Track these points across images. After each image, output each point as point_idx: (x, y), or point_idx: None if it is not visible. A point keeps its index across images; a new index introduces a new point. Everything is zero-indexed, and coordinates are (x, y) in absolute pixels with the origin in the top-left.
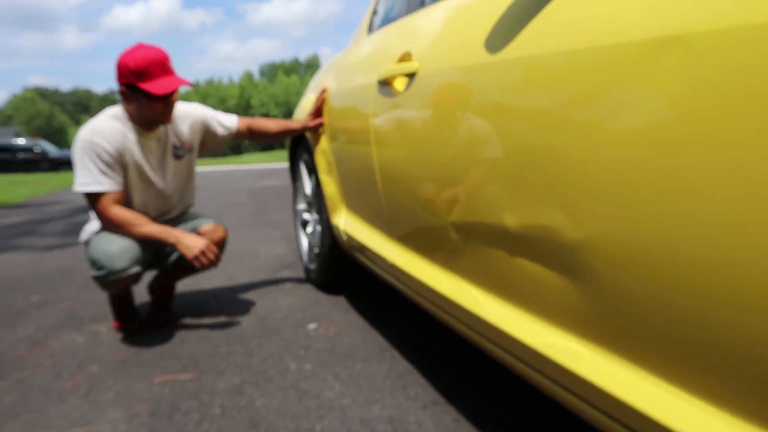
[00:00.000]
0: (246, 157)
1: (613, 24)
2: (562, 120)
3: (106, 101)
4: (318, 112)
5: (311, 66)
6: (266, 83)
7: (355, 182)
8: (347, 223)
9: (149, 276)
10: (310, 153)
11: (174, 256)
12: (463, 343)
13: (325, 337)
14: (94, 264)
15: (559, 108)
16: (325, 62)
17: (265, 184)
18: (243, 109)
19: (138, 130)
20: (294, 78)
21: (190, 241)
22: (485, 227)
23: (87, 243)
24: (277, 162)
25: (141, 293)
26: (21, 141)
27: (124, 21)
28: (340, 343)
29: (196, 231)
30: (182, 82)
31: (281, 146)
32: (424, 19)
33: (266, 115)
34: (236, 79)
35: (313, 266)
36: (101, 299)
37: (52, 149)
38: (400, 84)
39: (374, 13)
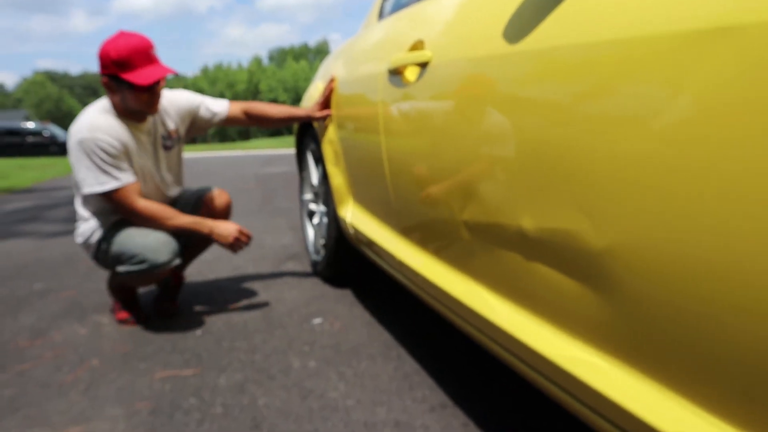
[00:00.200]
0: (254, 142)
1: (644, 15)
2: (585, 117)
3: None
4: (326, 102)
5: (320, 51)
6: (275, 68)
7: (362, 174)
8: (354, 215)
9: None
10: (317, 142)
11: (182, 239)
12: (469, 342)
13: (330, 332)
14: (131, 258)
15: (582, 104)
16: (335, 48)
17: (272, 171)
18: (251, 94)
19: (128, 122)
20: (303, 63)
21: (223, 230)
22: (499, 228)
23: (101, 241)
24: (285, 148)
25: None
26: (30, 125)
27: (134, 4)
28: (345, 340)
29: (201, 200)
30: (167, 70)
31: (289, 131)
32: (438, 7)
33: (274, 101)
34: (245, 63)
35: (318, 258)
36: (103, 288)
37: (60, 133)
38: (411, 73)
39: None
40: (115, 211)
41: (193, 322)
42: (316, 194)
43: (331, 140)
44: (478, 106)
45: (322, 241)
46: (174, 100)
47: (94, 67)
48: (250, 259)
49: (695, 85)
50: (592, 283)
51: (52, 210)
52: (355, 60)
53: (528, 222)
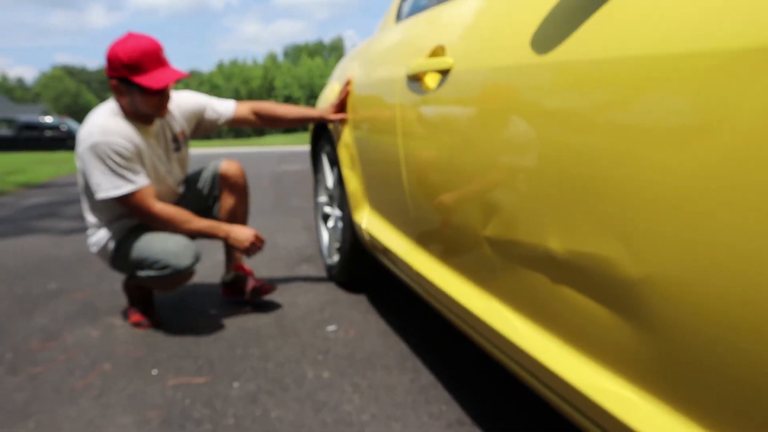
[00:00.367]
0: (268, 138)
1: (688, 29)
2: (622, 134)
3: None
4: (341, 104)
5: (335, 48)
6: (290, 65)
7: (379, 181)
8: (370, 222)
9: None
10: (333, 145)
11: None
12: (487, 354)
13: (344, 340)
14: (152, 264)
15: (620, 120)
16: (349, 45)
17: (287, 168)
18: (266, 90)
19: (137, 125)
20: (318, 60)
21: (240, 234)
22: (524, 246)
23: (117, 249)
24: (300, 145)
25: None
26: (48, 119)
27: (151, 0)
28: (360, 349)
29: (216, 179)
30: (179, 74)
31: (304, 129)
32: (460, 11)
33: (289, 98)
34: (260, 60)
35: (333, 262)
36: (117, 289)
37: (77, 128)
38: (431, 80)
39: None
40: (130, 216)
41: (207, 326)
42: (330, 197)
43: (346, 144)
44: (503, 117)
45: (336, 245)
46: (180, 102)
47: None
48: (264, 261)
49: (745, 104)
50: (627, 312)
51: (68, 206)
52: (373, 62)
53: (556, 242)
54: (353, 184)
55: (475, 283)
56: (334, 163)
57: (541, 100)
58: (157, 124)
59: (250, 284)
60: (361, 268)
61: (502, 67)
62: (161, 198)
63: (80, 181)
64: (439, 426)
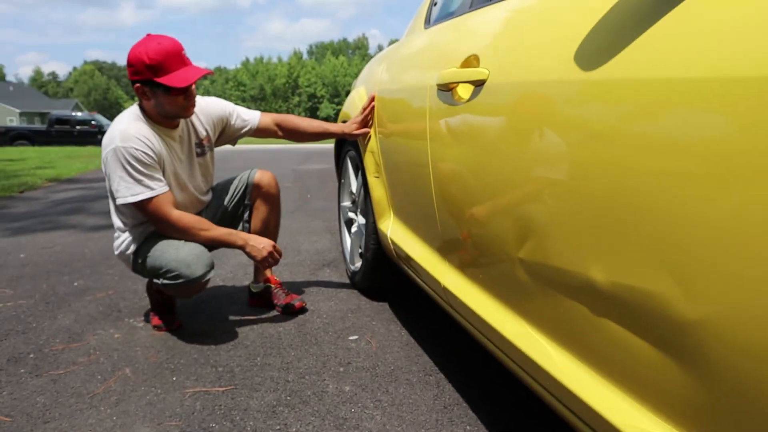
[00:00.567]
0: None
1: (744, 52)
2: (681, 164)
3: None
4: (364, 121)
5: (359, 47)
6: (314, 63)
7: (406, 191)
8: (395, 231)
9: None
10: (358, 150)
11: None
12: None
13: (366, 352)
14: (166, 273)
15: (675, 148)
16: (373, 44)
17: (310, 168)
18: (291, 88)
19: (161, 130)
20: (342, 58)
21: (257, 243)
22: (563, 273)
23: (136, 254)
24: (324, 143)
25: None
26: (79, 114)
27: None
28: (382, 362)
29: (249, 188)
30: (202, 71)
31: None
32: (495, 19)
33: (313, 95)
34: (285, 58)
35: (356, 268)
36: (139, 289)
37: (106, 123)
38: (464, 91)
39: (433, 4)
40: (150, 222)
41: (227, 331)
42: (354, 202)
43: (372, 150)
44: (541, 134)
45: (359, 251)
46: (205, 107)
47: None
48: (286, 265)
49: None
50: (679, 353)
51: (95, 202)
52: (400, 68)
53: (599, 272)
54: (378, 191)
55: (507, 306)
56: (359, 168)
57: (585, 119)
58: (182, 127)
59: (281, 299)
60: (384, 276)
61: (542, 81)
62: (183, 205)
63: (107, 183)
64: None
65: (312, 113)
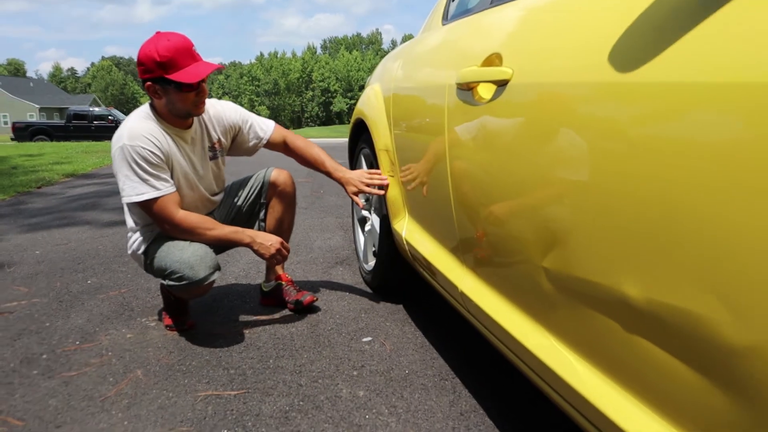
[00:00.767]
0: (306, 131)
1: None
2: (733, 172)
3: None
4: (367, 185)
5: (373, 42)
6: (328, 58)
7: (421, 191)
8: (410, 232)
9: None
10: (372, 148)
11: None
12: None
13: (380, 355)
14: (170, 274)
15: (720, 157)
16: (387, 39)
17: None
18: (304, 82)
19: (173, 130)
20: (355, 53)
21: (264, 241)
22: (592, 287)
23: (146, 253)
24: (337, 137)
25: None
26: (96, 109)
27: None
28: (397, 365)
29: (265, 186)
30: (213, 67)
31: (341, 122)
32: (519, 16)
33: (326, 90)
34: (299, 53)
35: (369, 268)
36: (152, 287)
37: (123, 118)
38: (485, 91)
39: None
40: (155, 223)
41: (240, 332)
42: (367, 200)
43: (386, 148)
44: (571, 140)
45: (373, 249)
46: (221, 111)
47: None
48: (299, 262)
49: None
50: (724, 382)
51: (110, 198)
52: (417, 65)
53: (633, 287)
54: (393, 191)
55: (529, 316)
56: (373, 166)
57: (620, 124)
58: (195, 129)
59: (292, 295)
60: (398, 276)
61: (571, 83)
62: (193, 205)
63: None
64: None
65: (325, 107)
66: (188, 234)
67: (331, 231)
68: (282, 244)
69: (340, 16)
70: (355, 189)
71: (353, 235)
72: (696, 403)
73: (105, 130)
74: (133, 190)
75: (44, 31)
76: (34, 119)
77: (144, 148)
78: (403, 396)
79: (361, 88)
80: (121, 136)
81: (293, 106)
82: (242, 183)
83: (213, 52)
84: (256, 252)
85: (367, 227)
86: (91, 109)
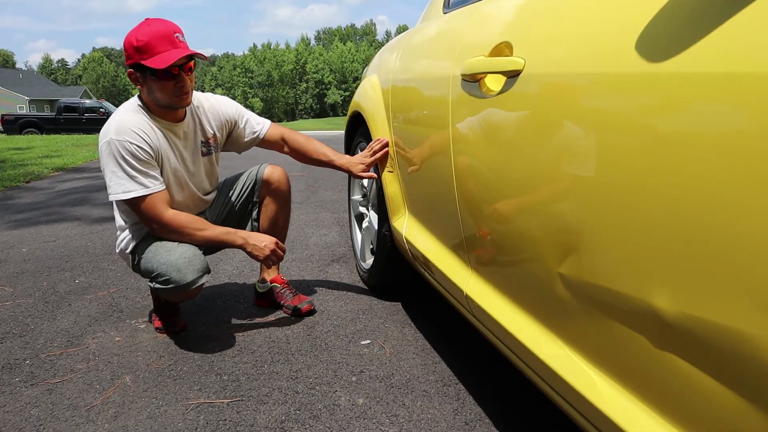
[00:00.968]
0: (300, 123)
1: None
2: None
3: None
4: (372, 162)
5: (367, 33)
6: (321, 49)
7: (423, 188)
8: (410, 230)
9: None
10: (369, 142)
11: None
12: None
13: (379, 359)
14: (157, 277)
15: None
16: (381, 30)
17: None
18: (298, 74)
19: (163, 124)
20: (349, 44)
21: (258, 242)
22: (615, 296)
23: (134, 253)
24: (331, 129)
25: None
26: (87, 101)
27: None
28: (397, 369)
29: (258, 184)
30: (185, 52)
31: (335, 114)
32: (530, 0)
33: (320, 82)
34: (293, 44)
35: (367, 266)
36: (144, 287)
37: (114, 110)
38: (494, 83)
39: None
40: (142, 222)
41: (233, 335)
42: (365, 196)
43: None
44: (590, 135)
45: (370, 247)
46: (216, 105)
47: None
48: (294, 260)
49: None
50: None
51: (100, 192)
52: (418, 56)
53: (664, 299)
54: (392, 187)
55: (544, 325)
56: None
57: (645, 117)
58: (188, 123)
59: (288, 299)
60: (397, 275)
61: (593, 74)
62: (183, 204)
63: None
64: None
65: (319, 99)
66: (177, 234)
67: (326, 227)
68: (277, 244)
69: (334, 6)
70: (362, 167)
71: (350, 232)
72: (738, 428)
73: (96, 123)
74: (120, 187)
75: (34, 22)
76: (24, 111)
77: (132, 143)
78: (405, 404)
79: (356, 79)
80: (108, 131)
81: (287, 98)
82: (234, 180)
83: (206, 43)
84: (249, 254)
85: (365, 224)
86: (82, 101)
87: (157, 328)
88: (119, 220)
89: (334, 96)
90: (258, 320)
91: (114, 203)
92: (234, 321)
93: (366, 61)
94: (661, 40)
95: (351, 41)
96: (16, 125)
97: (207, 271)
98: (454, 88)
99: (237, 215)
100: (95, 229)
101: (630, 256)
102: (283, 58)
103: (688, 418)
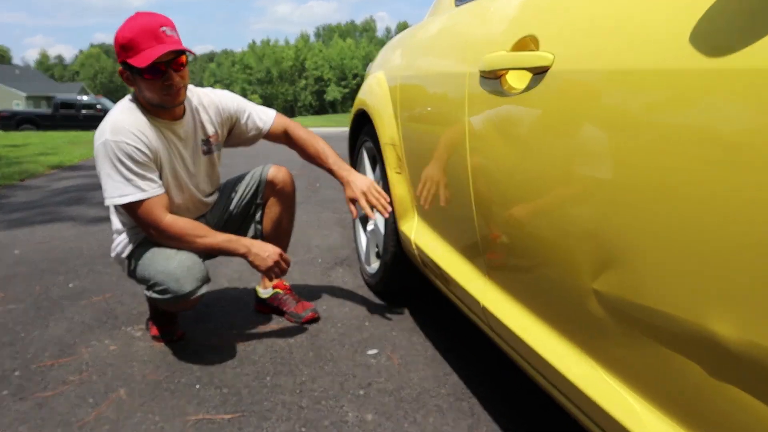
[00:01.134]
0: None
1: None
2: None
3: None
4: (369, 204)
5: (367, 29)
6: (321, 46)
7: (435, 191)
8: (420, 235)
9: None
10: (376, 142)
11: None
12: None
13: (388, 370)
14: (153, 286)
15: None
16: (381, 26)
17: None
18: (297, 71)
19: (162, 123)
20: (349, 41)
21: (262, 251)
22: (661, 317)
23: (130, 258)
24: (333, 126)
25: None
26: (84, 98)
27: None
28: (407, 382)
29: (262, 185)
30: (169, 47)
31: (334, 111)
32: None
33: (320, 78)
34: (292, 40)
35: (372, 271)
36: (140, 292)
37: (111, 107)
38: (517, 80)
39: None
40: (139, 227)
41: (234, 344)
42: None
43: (393, 142)
44: (631, 136)
45: (375, 250)
46: (216, 100)
47: None
48: (296, 263)
49: None
50: None
51: (97, 191)
52: (428, 51)
53: (721, 323)
54: (400, 189)
55: (575, 345)
56: (376, 161)
57: (700, 119)
58: (188, 121)
59: (291, 306)
60: (405, 280)
61: (633, 71)
62: (183, 207)
63: None
64: None
65: (319, 96)
66: (176, 241)
67: (329, 228)
68: (281, 255)
69: (333, 2)
70: (353, 195)
71: (354, 234)
72: None
73: (93, 120)
74: (116, 190)
75: (31, 17)
76: (21, 107)
77: (128, 144)
78: (416, 420)
79: (355, 76)
80: (104, 131)
81: (286, 94)
82: (236, 181)
83: (205, 39)
84: (251, 263)
85: (370, 226)
86: (79, 97)
87: (153, 337)
88: (115, 223)
89: (333, 93)
90: (259, 328)
91: (111, 206)
92: (234, 329)
93: (366, 58)
94: (720, 32)
95: (351, 38)
96: (12, 121)
97: (207, 280)
98: (472, 86)
99: (239, 218)
100: (91, 230)
101: (679, 271)
102: (283, 55)
103: None
